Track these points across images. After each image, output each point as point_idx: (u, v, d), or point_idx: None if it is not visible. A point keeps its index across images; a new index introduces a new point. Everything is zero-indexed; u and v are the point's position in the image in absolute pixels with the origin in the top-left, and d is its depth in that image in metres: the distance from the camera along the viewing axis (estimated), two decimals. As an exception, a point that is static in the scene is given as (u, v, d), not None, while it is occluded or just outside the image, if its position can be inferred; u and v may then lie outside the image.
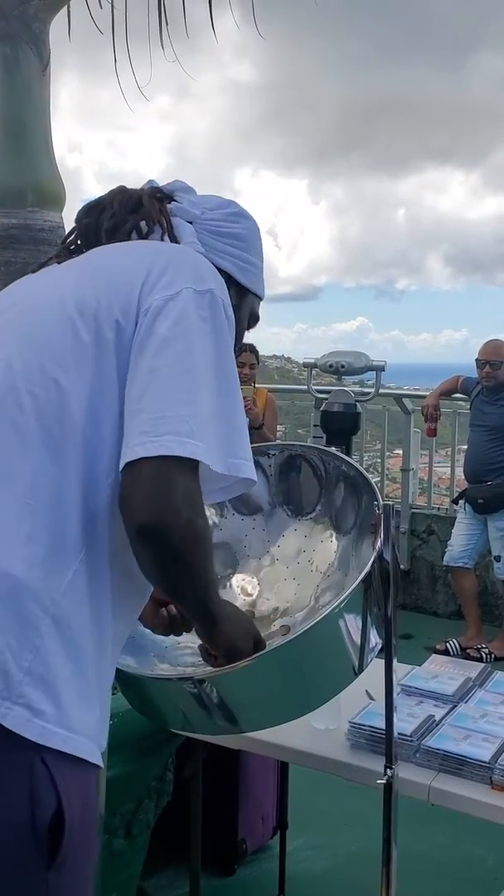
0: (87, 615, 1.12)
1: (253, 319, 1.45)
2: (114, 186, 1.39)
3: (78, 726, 1.09)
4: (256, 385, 4.75)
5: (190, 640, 1.66)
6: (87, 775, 1.11)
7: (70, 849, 1.06)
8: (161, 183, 1.40)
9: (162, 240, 1.31)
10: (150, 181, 1.40)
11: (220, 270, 1.29)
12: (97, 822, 1.16)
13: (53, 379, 1.13)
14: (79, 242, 1.36)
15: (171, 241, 1.30)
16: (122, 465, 1.07)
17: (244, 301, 1.41)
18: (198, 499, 1.09)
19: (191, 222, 1.34)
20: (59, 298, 1.20)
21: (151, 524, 1.05)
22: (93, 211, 1.35)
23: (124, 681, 1.45)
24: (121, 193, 1.36)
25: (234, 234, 1.37)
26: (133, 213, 1.33)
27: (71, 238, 1.38)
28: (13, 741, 1.03)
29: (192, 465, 1.08)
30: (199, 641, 1.39)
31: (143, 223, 1.32)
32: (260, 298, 1.43)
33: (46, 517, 1.09)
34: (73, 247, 1.37)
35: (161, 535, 1.05)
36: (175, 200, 1.37)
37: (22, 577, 1.06)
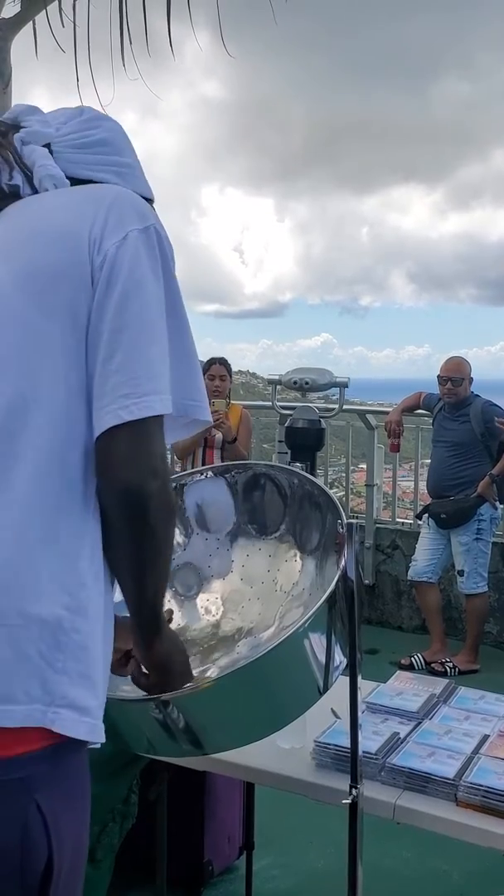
0: (100, 592, 1.11)
1: None
2: None
3: (99, 711, 1.10)
4: (231, 401, 4.72)
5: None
6: (83, 804, 1.11)
7: (56, 893, 1.05)
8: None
9: (11, 178, 1.20)
10: None
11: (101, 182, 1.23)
12: (85, 858, 1.15)
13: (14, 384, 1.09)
14: None
15: (24, 174, 1.21)
16: (104, 429, 1.06)
17: None
18: (166, 461, 1.10)
19: (48, 144, 1.24)
20: None
21: (134, 487, 1.05)
22: None
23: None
24: None
25: (99, 141, 1.28)
26: None
27: None
28: (6, 791, 1.01)
29: (161, 421, 1.10)
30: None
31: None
32: (150, 200, 1.30)
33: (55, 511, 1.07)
34: None
35: (144, 497, 1.06)
36: (23, 126, 1.26)
37: (47, 610, 1.05)
